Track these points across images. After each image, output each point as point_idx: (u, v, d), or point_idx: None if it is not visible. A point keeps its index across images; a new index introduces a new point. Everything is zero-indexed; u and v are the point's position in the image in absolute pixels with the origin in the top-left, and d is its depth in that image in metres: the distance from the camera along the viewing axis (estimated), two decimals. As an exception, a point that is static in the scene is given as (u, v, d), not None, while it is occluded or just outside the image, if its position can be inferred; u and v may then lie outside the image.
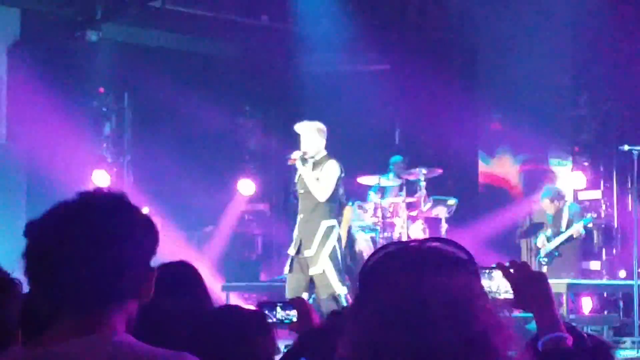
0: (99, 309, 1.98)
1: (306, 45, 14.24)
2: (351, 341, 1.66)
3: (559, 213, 11.93)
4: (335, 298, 8.91)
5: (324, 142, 9.28)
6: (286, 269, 9.33)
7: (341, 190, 9.58)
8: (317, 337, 3.38)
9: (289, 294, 9.00)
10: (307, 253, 9.06)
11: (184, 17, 13.89)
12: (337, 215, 9.41)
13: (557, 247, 11.79)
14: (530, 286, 2.52)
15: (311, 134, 9.22)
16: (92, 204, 2.01)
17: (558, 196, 12.05)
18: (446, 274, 1.66)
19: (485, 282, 2.52)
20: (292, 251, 9.23)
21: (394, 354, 1.59)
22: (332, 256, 9.04)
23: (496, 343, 1.59)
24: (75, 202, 2.01)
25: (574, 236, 11.66)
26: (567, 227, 11.76)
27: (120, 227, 1.99)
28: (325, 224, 9.13)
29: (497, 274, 2.57)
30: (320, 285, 9.00)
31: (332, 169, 9.18)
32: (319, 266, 9.00)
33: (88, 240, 1.94)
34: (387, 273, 1.70)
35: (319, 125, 9.32)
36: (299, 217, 9.29)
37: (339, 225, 9.41)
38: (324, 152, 9.29)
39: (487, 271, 2.58)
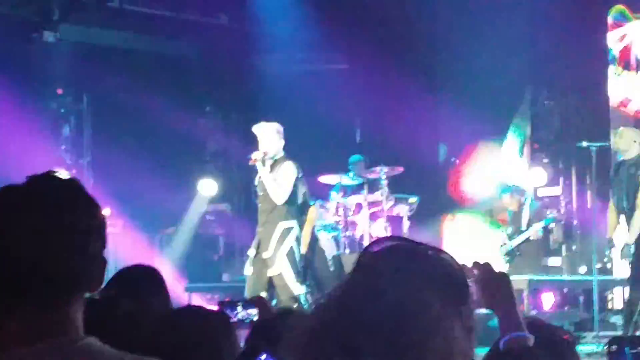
0: (57, 303, 1.84)
1: (265, 44, 14.23)
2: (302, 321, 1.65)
3: (519, 210, 11.99)
4: (295, 299, 8.92)
5: (282, 142, 9.29)
6: (246, 269, 9.35)
7: (303, 190, 9.57)
8: (269, 329, 3.37)
9: (248, 294, 9.00)
10: (265, 254, 9.09)
11: (142, 17, 13.82)
12: (296, 216, 9.40)
13: (517, 246, 11.86)
14: (492, 286, 2.54)
15: (270, 135, 9.23)
16: (41, 188, 1.90)
17: (518, 191, 12.12)
18: (426, 290, 1.64)
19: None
20: (251, 252, 9.26)
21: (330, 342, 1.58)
22: (290, 258, 9.06)
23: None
24: (24, 186, 1.90)
25: (531, 238, 11.74)
26: (528, 225, 11.82)
27: (75, 212, 1.87)
28: (283, 225, 9.15)
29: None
30: (279, 286, 9.02)
31: (288, 171, 9.19)
32: (276, 267, 9.03)
33: (39, 226, 1.83)
34: (378, 267, 1.68)
35: (277, 126, 9.33)
36: (260, 218, 9.31)
37: (300, 227, 9.41)
38: (282, 153, 9.30)
39: None
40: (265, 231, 9.15)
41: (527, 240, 11.79)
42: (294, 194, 9.28)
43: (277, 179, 9.17)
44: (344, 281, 1.70)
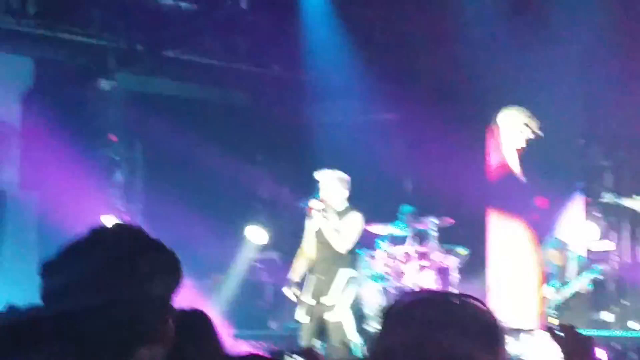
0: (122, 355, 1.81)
1: (317, 94, 14.32)
2: None
3: (564, 263, 11.89)
4: (346, 345, 8.85)
5: (346, 192, 9.20)
6: (300, 316, 9.25)
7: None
8: None
9: (304, 341, 8.96)
10: (325, 300, 8.98)
11: (196, 67, 14.00)
12: (353, 263, 9.40)
13: (566, 300, 11.73)
14: (579, 350, 2.51)
15: (332, 183, 9.16)
16: (104, 238, 1.90)
17: (564, 246, 12.03)
18: (464, 337, 1.65)
19: (526, 341, 2.54)
20: (307, 299, 9.14)
21: None
22: (353, 309, 9.02)
23: None
24: (88, 238, 1.90)
25: (581, 291, 11.62)
26: (575, 278, 11.73)
27: (136, 262, 1.87)
28: (347, 273, 9.08)
29: (540, 334, 2.58)
30: (336, 331, 8.93)
31: (357, 222, 9.13)
32: (338, 314, 8.94)
33: (102, 279, 1.82)
34: (405, 321, 1.69)
35: (340, 174, 9.23)
36: (318, 266, 9.22)
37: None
38: (346, 203, 9.21)
39: (530, 331, 2.61)
40: (327, 279, 9.07)
41: (576, 293, 11.65)
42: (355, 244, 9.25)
43: (341, 229, 9.07)
44: (381, 335, 1.70)
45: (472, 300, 1.73)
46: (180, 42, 13.85)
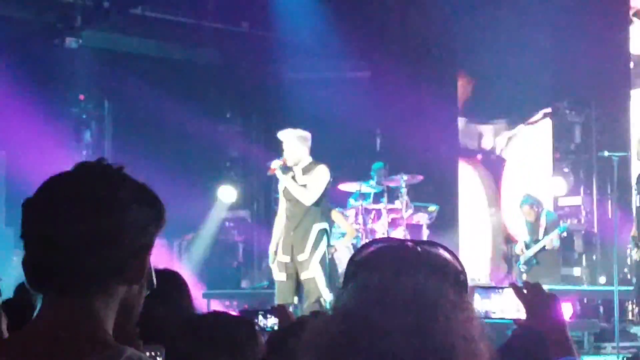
0: (81, 291, 1.83)
1: (287, 51, 14.25)
2: (321, 332, 1.64)
3: (537, 220, 11.99)
4: (319, 302, 8.88)
5: (306, 149, 9.23)
6: (277, 274, 9.27)
7: (327, 195, 9.61)
8: (286, 340, 3.35)
9: (279, 299, 9.00)
10: (300, 257, 9.03)
11: (164, 24, 13.87)
12: (326, 218, 9.41)
13: (535, 255, 11.85)
14: (542, 307, 2.51)
15: (292, 142, 9.18)
16: (87, 172, 1.91)
17: (537, 203, 12.12)
18: (435, 281, 1.65)
19: (496, 300, 2.54)
20: (283, 258, 9.17)
21: (357, 352, 1.57)
22: (322, 263, 9.05)
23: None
24: (71, 173, 1.91)
25: (547, 247, 11.74)
26: (545, 234, 11.84)
27: (111, 197, 1.86)
28: (317, 227, 9.12)
29: (508, 292, 2.57)
30: (310, 289, 8.97)
31: (323, 174, 9.16)
32: (311, 271, 8.99)
33: (77, 211, 1.82)
34: (376, 268, 1.68)
35: (301, 132, 9.26)
36: (287, 222, 9.23)
37: (330, 229, 9.42)
38: (310, 159, 9.24)
39: (499, 289, 2.60)
40: (298, 234, 9.10)
41: (544, 249, 11.77)
42: (323, 196, 9.26)
43: (308, 183, 9.11)
44: (344, 285, 1.70)
45: (437, 247, 1.74)
46: (147, -1, 13.73)
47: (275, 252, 9.32)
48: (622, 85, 13.06)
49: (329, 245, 9.33)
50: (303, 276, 9.01)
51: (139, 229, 1.89)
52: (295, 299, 8.91)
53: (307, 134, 9.27)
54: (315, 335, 1.63)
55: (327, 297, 8.93)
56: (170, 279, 3.57)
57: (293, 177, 9.16)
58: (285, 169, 9.19)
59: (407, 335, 1.56)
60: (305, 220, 9.11)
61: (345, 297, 1.65)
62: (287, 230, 9.18)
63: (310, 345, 1.63)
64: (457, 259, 1.75)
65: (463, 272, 1.74)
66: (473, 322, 1.62)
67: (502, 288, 2.59)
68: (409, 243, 1.74)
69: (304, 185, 9.10)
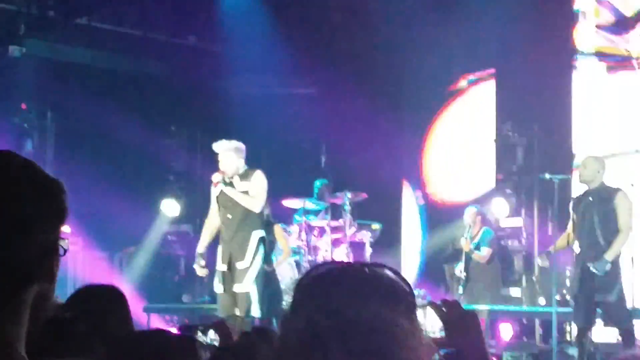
0: None
1: (233, 66, 14.23)
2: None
3: (477, 232, 12.10)
4: (245, 320, 8.78)
5: (242, 160, 9.23)
6: (217, 286, 9.21)
7: (267, 208, 9.56)
8: (229, 357, 3.34)
9: (221, 312, 8.94)
10: (240, 265, 8.97)
11: (110, 35, 13.77)
12: (265, 226, 9.38)
13: (465, 269, 11.93)
14: (461, 325, 2.52)
15: (229, 153, 9.19)
16: None
17: (483, 213, 12.23)
18: (384, 305, 1.64)
19: (420, 318, 2.54)
20: (221, 267, 9.12)
21: None
22: (258, 279, 8.98)
23: None
24: None
25: (465, 249, 11.86)
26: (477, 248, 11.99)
27: (26, 194, 1.65)
28: (257, 234, 9.09)
29: (431, 311, 2.58)
30: (240, 304, 8.90)
31: (261, 179, 9.17)
32: (245, 285, 8.92)
33: None
34: (323, 292, 1.67)
35: (236, 144, 9.27)
36: (226, 232, 9.19)
37: (271, 241, 9.40)
38: (245, 167, 9.24)
39: (421, 308, 2.59)
40: (237, 242, 9.05)
41: (472, 259, 11.87)
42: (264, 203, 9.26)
43: (250, 190, 9.11)
44: (293, 309, 1.69)
45: (384, 269, 1.73)
46: (93, 9, 13.61)
47: (202, 255, 9.33)
48: (564, 109, 13.23)
49: (265, 255, 9.26)
50: (236, 288, 8.94)
51: (40, 224, 1.66)
52: (237, 310, 8.86)
53: (242, 145, 9.28)
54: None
55: (256, 314, 8.85)
56: (106, 294, 3.53)
57: (231, 184, 9.17)
58: (226, 182, 9.18)
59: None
60: (244, 227, 9.08)
61: (297, 323, 1.64)
62: (225, 239, 9.14)
63: None
64: (404, 280, 1.75)
65: (411, 293, 1.75)
66: (423, 348, 1.62)
67: (423, 306, 2.60)
68: (358, 266, 1.74)
69: (246, 192, 9.10)
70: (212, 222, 9.44)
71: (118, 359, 2.74)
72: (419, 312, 2.41)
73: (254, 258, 8.99)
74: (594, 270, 9.07)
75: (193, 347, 2.92)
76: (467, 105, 14.53)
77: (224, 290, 9.05)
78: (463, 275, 11.90)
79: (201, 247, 9.45)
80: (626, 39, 12.95)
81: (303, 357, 1.57)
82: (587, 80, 13.23)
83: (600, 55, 13.13)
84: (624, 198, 9.19)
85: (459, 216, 12.50)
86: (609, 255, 9.12)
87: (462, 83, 14.57)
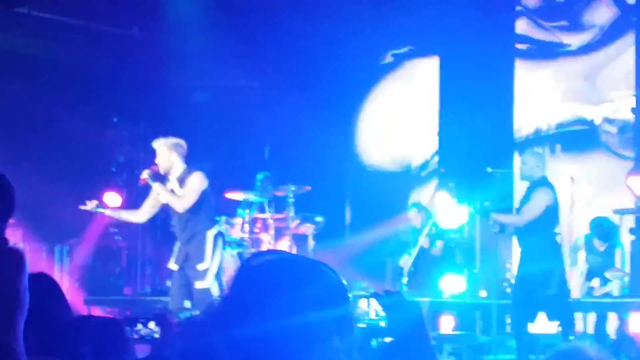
0: None
1: (177, 58, 14.15)
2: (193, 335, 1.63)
3: (421, 225, 12.19)
4: None
5: (177, 157, 9.16)
6: (169, 280, 9.20)
7: (211, 204, 9.57)
8: (169, 348, 3.32)
9: (171, 305, 8.91)
10: (200, 267, 8.95)
11: (52, 25, 13.61)
12: (214, 223, 9.32)
13: (413, 262, 12.01)
14: (403, 315, 2.53)
15: (162, 150, 9.15)
16: None
17: (424, 210, 12.32)
18: (316, 305, 1.65)
19: (364, 307, 2.56)
20: (173, 265, 9.11)
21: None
22: (219, 275, 8.98)
23: None
24: None
25: (424, 246, 11.94)
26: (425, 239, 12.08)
27: None
28: (211, 233, 9.06)
29: (374, 301, 2.61)
30: (201, 300, 8.86)
31: (195, 181, 9.10)
32: (207, 282, 8.90)
33: None
34: (261, 282, 1.67)
35: (172, 140, 9.21)
36: (180, 233, 9.17)
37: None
38: (183, 167, 9.18)
39: (366, 298, 2.64)
40: (194, 245, 9.02)
41: (423, 252, 11.95)
42: (205, 204, 9.18)
43: (181, 191, 9.07)
44: (224, 298, 1.68)
45: (324, 267, 1.74)
46: (34, -2, 13.45)
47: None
48: (506, 104, 13.37)
49: (224, 249, 9.28)
50: (197, 285, 8.92)
51: None
52: (188, 303, 8.83)
53: (180, 142, 9.22)
54: (186, 346, 1.61)
55: None
56: (45, 283, 3.50)
57: (162, 179, 9.13)
58: (161, 179, 9.14)
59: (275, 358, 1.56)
60: (198, 229, 9.05)
61: (224, 307, 1.64)
62: (181, 241, 9.14)
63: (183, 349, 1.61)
64: (342, 284, 1.74)
65: (344, 289, 1.74)
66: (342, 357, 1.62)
67: (367, 297, 2.62)
68: (300, 260, 1.73)
69: (174, 192, 9.06)
70: (139, 215, 9.46)
71: (53, 344, 2.72)
72: (363, 303, 2.42)
73: (213, 256, 8.97)
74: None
75: (121, 328, 2.91)
76: (408, 86, 14.63)
77: (175, 285, 9.05)
78: (411, 267, 11.99)
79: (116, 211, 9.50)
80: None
81: (223, 343, 1.58)
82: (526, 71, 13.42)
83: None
84: (540, 192, 9.29)
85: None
86: (494, 215, 9.32)
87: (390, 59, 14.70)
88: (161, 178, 9.16)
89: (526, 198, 9.34)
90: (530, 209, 9.23)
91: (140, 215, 9.53)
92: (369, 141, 15.03)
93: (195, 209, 9.10)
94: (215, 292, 8.91)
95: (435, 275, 12.08)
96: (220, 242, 9.12)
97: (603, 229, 11.09)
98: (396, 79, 14.76)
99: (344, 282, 1.77)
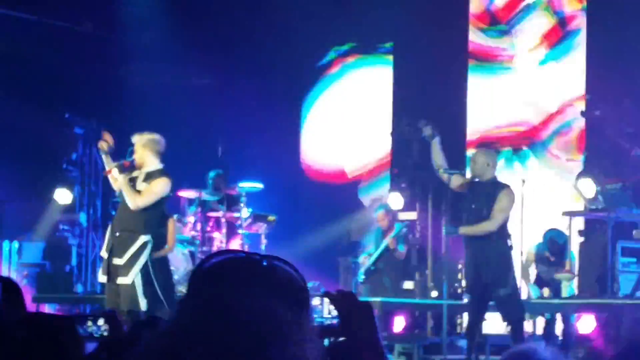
0: None
1: (130, 54, 14.07)
2: (154, 346, 1.61)
3: (389, 230, 12.25)
4: (135, 313, 8.65)
5: (151, 154, 9.05)
6: (100, 276, 9.09)
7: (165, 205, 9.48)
8: (118, 347, 3.31)
9: (108, 303, 8.81)
10: (117, 261, 8.84)
11: (4, 19, 13.46)
12: (155, 228, 9.17)
13: (374, 262, 12.08)
14: (355, 315, 2.55)
15: (138, 146, 9.06)
16: None
17: (392, 212, 12.40)
18: (272, 297, 1.65)
19: (317, 305, 2.57)
20: (104, 254, 9.01)
21: None
22: (144, 270, 8.84)
23: None
24: None
25: (390, 246, 12.01)
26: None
27: None
28: (143, 239, 8.92)
29: (326, 300, 2.62)
30: (125, 296, 8.76)
31: (159, 184, 8.99)
32: (129, 277, 8.79)
33: None
34: (219, 282, 1.67)
35: (148, 137, 9.11)
36: (114, 222, 9.07)
37: (155, 239, 9.17)
38: (157, 166, 9.07)
39: (317, 297, 2.65)
40: (122, 239, 8.92)
41: (386, 251, 12.02)
42: (157, 208, 9.08)
43: (142, 188, 8.95)
44: (186, 298, 1.68)
45: (278, 262, 1.74)
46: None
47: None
48: (460, 103, 13.46)
49: (151, 256, 9.06)
50: (119, 280, 8.82)
51: None
52: (122, 303, 8.73)
53: (154, 138, 9.12)
54: (149, 349, 1.59)
55: (143, 307, 8.72)
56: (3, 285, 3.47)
57: (132, 179, 9.02)
58: (125, 169, 9.02)
59: (241, 356, 1.55)
60: (132, 227, 8.92)
61: (184, 311, 1.63)
62: (112, 230, 9.02)
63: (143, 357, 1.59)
64: (298, 274, 1.76)
65: (304, 287, 1.75)
66: (309, 344, 1.62)
67: (320, 296, 2.64)
68: (253, 257, 1.74)
69: (139, 191, 8.97)
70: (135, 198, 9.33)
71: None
72: (316, 301, 2.44)
73: (134, 260, 8.83)
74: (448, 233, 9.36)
75: (73, 328, 2.88)
76: (361, 83, 14.69)
77: (108, 281, 8.95)
78: (370, 266, 12.05)
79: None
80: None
81: (185, 345, 1.57)
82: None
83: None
84: (507, 195, 9.34)
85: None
86: (462, 229, 9.35)
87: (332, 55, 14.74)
88: (130, 170, 9.04)
89: (488, 200, 9.32)
90: (501, 211, 9.26)
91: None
92: (318, 139, 15.06)
93: (143, 211, 8.99)
94: (139, 291, 8.76)
95: (397, 277, 12.16)
96: (147, 251, 8.94)
97: (555, 243, 11.18)
98: (350, 76, 14.79)
99: (299, 273, 1.78)
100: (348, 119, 14.75)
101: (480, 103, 13.53)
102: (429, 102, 13.10)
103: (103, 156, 9.11)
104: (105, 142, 9.06)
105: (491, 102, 13.47)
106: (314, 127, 15.05)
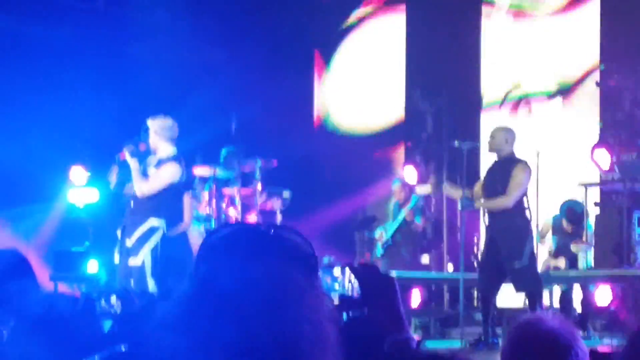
0: None
1: (141, 31, 14.06)
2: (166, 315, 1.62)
3: (405, 202, 12.27)
4: (143, 289, 8.69)
5: (163, 139, 9.07)
6: (116, 256, 9.15)
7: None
8: (132, 322, 3.32)
9: (121, 282, 8.86)
10: (127, 242, 8.90)
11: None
12: (167, 212, 9.17)
13: (392, 235, 12.12)
14: (378, 288, 2.55)
15: (150, 131, 9.08)
16: None
17: (408, 185, 12.43)
18: (282, 263, 1.65)
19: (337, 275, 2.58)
20: (119, 234, 9.07)
21: (208, 340, 1.55)
22: (154, 254, 8.87)
23: (306, 346, 1.58)
24: None
25: (407, 219, 12.04)
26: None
27: None
28: (151, 222, 8.94)
29: (349, 272, 2.64)
30: (134, 277, 8.81)
31: (167, 171, 9.01)
32: (139, 259, 8.83)
33: None
34: (227, 252, 1.67)
35: (160, 123, 9.11)
36: (131, 205, 9.10)
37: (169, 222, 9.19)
38: (170, 152, 9.08)
39: (340, 268, 2.66)
40: (133, 219, 8.96)
41: (404, 225, 12.04)
42: (169, 192, 9.08)
43: (151, 174, 8.97)
44: (196, 268, 1.68)
45: (286, 230, 1.74)
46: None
47: None
48: (473, 76, 13.39)
49: (162, 239, 9.06)
50: (130, 262, 8.86)
51: None
52: (132, 283, 8.79)
53: (166, 124, 9.10)
54: (164, 319, 1.60)
55: (151, 288, 8.77)
56: (14, 259, 3.48)
57: (143, 164, 9.04)
58: (145, 154, 9.04)
59: (254, 322, 1.55)
60: (143, 210, 8.96)
61: (197, 280, 1.63)
62: (127, 211, 9.07)
63: (158, 327, 1.60)
64: (309, 243, 1.76)
65: (313, 255, 1.75)
66: (320, 306, 1.62)
67: (342, 267, 2.64)
68: (262, 227, 1.74)
69: (144, 174, 9.00)
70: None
71: (28, 320, 2.70)
72: (336, 272, 2.43)
73: (142, 242, 8.86)
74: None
75: (93, 307, 2.90)
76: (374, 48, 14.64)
77: (120, 261, 9.01)
78: (388, 240, 12.08)
79: None
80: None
81: (200, 312, 1.57)
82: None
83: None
84: (522, 170, 9.35)
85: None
86: (477, 203, 9.38)
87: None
88: (144, 155, 9.06)
89: (503, 176, 9.34)
90: (517, 187, 9.28)
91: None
92: (335, 107, 15.05)
93: (153, 196, 8.99)
94: (148, 272, 8.80)
95: (414, 251, 12.18)
96: (155, 236, 8.95)
97: (574, 213, 11.15)
98: (361, 41, 14.74)
99: (307, 241, 1.78)
100: (363, 80, 14.71)
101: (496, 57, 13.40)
102: (442, 73, 13.04)
103: (127, 157, 9.07)
104: (133, 147, 9.04)
105: (506, 56, 13.30)
106: (331, 87, 15.07)
